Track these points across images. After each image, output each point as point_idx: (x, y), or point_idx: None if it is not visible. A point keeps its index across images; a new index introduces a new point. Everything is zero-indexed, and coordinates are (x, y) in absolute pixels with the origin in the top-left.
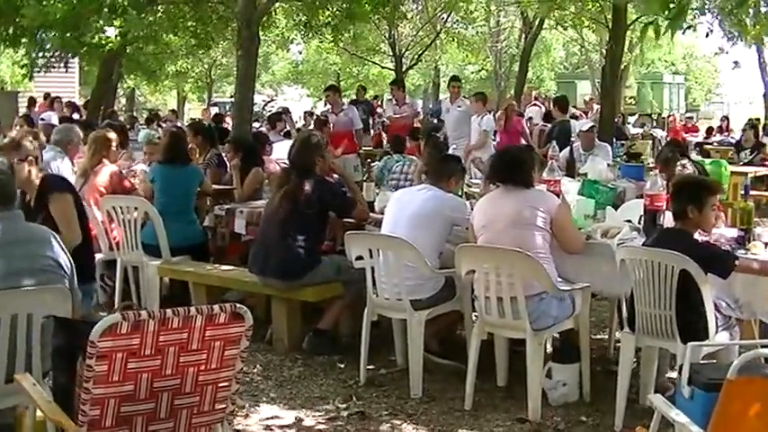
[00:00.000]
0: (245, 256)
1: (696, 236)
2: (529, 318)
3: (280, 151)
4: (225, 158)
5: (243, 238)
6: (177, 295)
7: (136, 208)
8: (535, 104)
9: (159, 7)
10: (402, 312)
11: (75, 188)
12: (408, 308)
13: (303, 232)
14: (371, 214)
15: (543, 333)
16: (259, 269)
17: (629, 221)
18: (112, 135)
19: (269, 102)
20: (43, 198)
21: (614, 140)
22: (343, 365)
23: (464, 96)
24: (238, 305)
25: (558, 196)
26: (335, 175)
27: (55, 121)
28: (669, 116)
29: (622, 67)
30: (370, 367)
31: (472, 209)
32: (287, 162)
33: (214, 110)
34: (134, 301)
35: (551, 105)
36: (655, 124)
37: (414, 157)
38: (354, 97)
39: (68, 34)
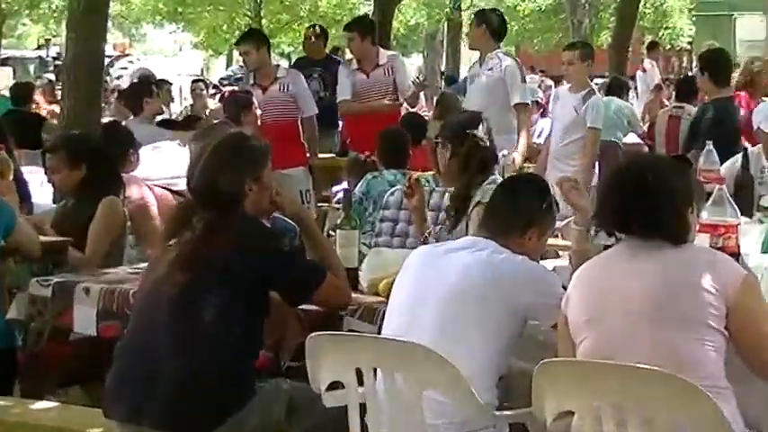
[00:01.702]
0: (74, 374)
1: None
2: None
3: (155, 162)
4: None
5: (72, 336)
6: None
7: None
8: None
9: None
10: None
11: None
12: None
13: (221, 333)
14: (356, 296)
15: None
16: (128, 409)
17: None
18: None
19: (119, 57)
20: None
21: None
22: None
23: (502, 52)
24: None
25: (736, 258)
26: (282, 216)
27: None
28: None
29: None
30: None
31: (564, 287)
32: (172, 186)
33: (5, 73)
34: None
35: (694, 69)
36: None
37: (427, 176)
38: (303, 54)
39: None
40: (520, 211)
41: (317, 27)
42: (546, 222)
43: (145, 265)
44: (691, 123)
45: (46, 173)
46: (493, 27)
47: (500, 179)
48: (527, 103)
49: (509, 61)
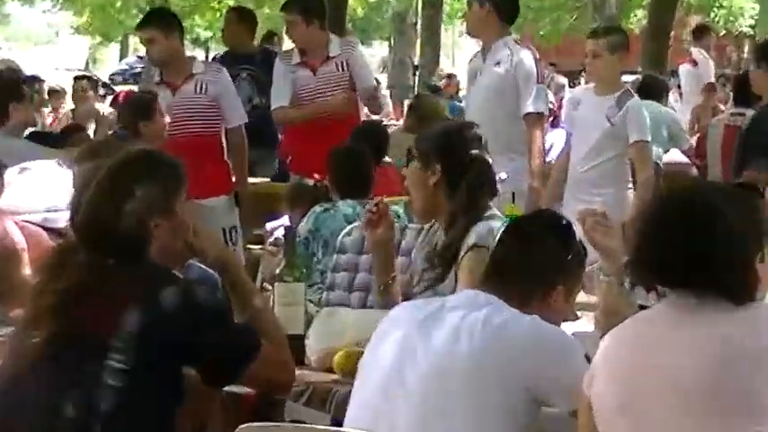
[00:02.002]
0: None
1: None
2: None
3: (24, 189)
4: None
5: None
6: None
7: None
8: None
9: None
10: None
11: None
12: None
13: (113, 425)
14: (301, 372)
15: None
16: None
17: None
18: None
19: None
20: None
21: None
22: None
23: (512, 40)
24: None
25: None
26: (200, 263)
27: None
28: None
29: None
30: None
31: (588, 360)
32: (47, 222)
33: None
34: None
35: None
36: None
37: (396, 207)
38: (223, 43)
39: None
40: (540, 269)
41: (237, 9)
42: (575, 277)
43: (10, 330)
44: (741, 134)
45: None
46: (499, 6)
47: (498, 213)
48: (542, 113)
49: (523, 53)
